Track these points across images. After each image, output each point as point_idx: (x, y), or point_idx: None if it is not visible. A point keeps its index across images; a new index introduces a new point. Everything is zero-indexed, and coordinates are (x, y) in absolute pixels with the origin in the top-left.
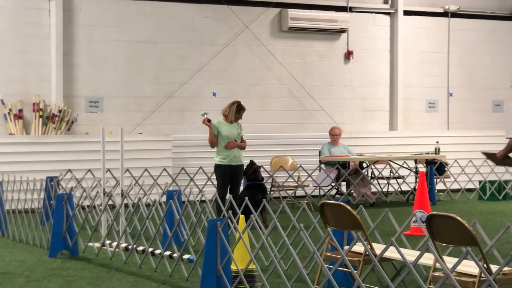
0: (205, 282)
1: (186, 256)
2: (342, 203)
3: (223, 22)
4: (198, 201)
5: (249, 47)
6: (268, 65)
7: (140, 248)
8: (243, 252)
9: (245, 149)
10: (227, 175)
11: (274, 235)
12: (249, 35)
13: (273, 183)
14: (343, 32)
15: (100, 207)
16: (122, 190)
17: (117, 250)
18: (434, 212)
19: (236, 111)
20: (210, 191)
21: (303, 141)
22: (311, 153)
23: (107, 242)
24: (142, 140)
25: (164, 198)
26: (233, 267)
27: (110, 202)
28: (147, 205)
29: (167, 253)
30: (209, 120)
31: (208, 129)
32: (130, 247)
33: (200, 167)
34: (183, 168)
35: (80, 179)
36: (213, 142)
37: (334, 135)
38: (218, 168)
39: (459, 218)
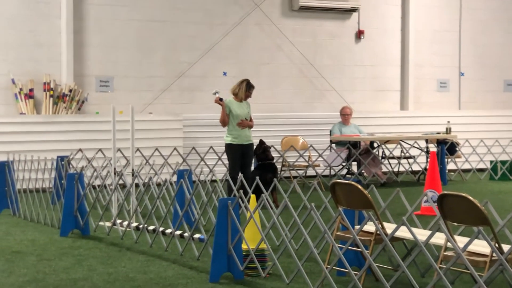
0: (216, 261)
1: (197, 236)
2: (353, 183)
3: (233, 1)
4: (208, 180)
5: (260, 26)
6: (279, 44)
7: (151, 227)
8: (254, 231)
9: (253, 129)
10: (238, 155)
11: (285, 214)
12: (259, 14)
13: (284, 163)
14: (354, 11)
15: (111, 187)
16: (132, 170)
17: (128, 229)
18: (445, 192)
19: (245, 89)
20: (221, 171)
21: (313, 120)
22: (322, 133)
23: (118, 221)
24: (152, 120)
25: (174, 178)
26: (244, 246)
27: (121, 182)
28: (158, 185)
29: (178, 232)
30: (221, 99)
31: (221, 108)
32: (141, 226)
33: (211, 147)
34: (193, 148)
35: (91, 159)
36: (225, 121)
37: (345, 115)
38: (230, 148)
39: (470, 198)
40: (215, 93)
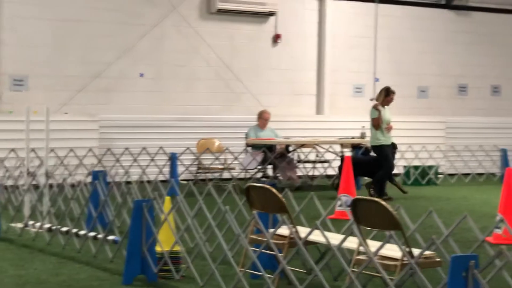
0: (130, 263)
1: (111, 237)
2: (267, 186)
3: (151, 3)
4: (123, 182)
5: (177, 28)
6: (196, 47)
7: (64, 229)
8: (168, 234)
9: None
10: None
11: (200, 217)
12: (177, 16)
13: (199, 165)
14: (272, 15)
15: (24, 187)
16: (46, 170)
17: (40, 231)
18: (358, 197)
19: (385, 95)
20: (136, 172)
21: (229, 123)
22: (238, 136)
23: (30, 222)
24: (68, 120)
25: (89, 179)
26: (158, 248)
27: (34, 182)
28: (72, 186)
29: (92, 234)
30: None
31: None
32: (53, 228)
33: (126, 148)
34: (109, 149)
35: (3, 158)
36: (379, 125)
37: (265, 120)
38: (384, 148)
39: (383, 203)
40: (372, 100)
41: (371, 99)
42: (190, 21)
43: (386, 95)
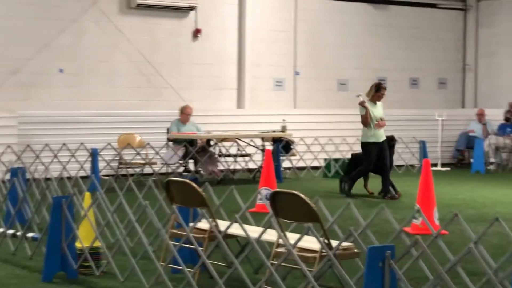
0: (49, 260)
1: (30, 235)
2: (187, 180)
3: None
4: (43, 178)
5: (97, 23)
6: (116, 42)
7: None
8: (88, 229)
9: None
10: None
11: (120, 212)
12: (97, 11)
13: (121, 161)
14: (192, 9)
15: None
16: None
17: None
18: (277, 189)
19: (375, 90)
20: (56, 169)
21: (151, 118)
22: (159, 131)
23: None
24: None
25: (8, 176)
26: (78, 245)
27: None
28: None
29: (10, 231)
30: (365, 102)
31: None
32: None
33: (46, 145)
34: (28, 145)
35: None
36: (367, 122)
37: (187, 115)
38: (370, 145)
39: (301, 195)
40: (358, 96)
41: (358, 95)
42: (110, 16)
43: (376, 91)
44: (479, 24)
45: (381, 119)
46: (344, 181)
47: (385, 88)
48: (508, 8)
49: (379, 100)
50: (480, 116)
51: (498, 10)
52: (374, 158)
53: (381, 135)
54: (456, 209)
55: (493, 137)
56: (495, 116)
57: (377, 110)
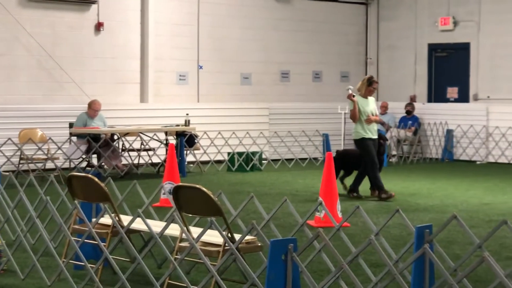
0: None
1: None
2: (89, 175)
3: None
4: None
5: None
6: (16, 35)
7: None
8: None
9: None
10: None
11: (21, 209)
12: None
13: (22, 156)
14: (94, 3)
15: None
16: None
17: None
18: (180, 184)
19: (367, 85)
20: None
21: (53, 113)
22: (62, 125)
23: None
24: None
25: None
26: None
27: None
28: None
29: None
30: (353, 96)
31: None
32: None
33: None
34: None
35: None
36: (356, 117)
37: (95, 110)
38: (364, 141)
39: (204, 189)
40: (348, 89)
41: (347, 89)
42: (9, 9)
43: (368, 85)
44: (380, 17)
45: (373, 114)
46: (352, 190)
47: (377, 82)
48: (408, 2)
49: (370, 94)
50: (383, 108)
51: (398, 4)
52: (372, 149)
53: (373, 131)
54: (358, 202)
55: (394, 130)
56: (397, 110)
57: (369, 105)
